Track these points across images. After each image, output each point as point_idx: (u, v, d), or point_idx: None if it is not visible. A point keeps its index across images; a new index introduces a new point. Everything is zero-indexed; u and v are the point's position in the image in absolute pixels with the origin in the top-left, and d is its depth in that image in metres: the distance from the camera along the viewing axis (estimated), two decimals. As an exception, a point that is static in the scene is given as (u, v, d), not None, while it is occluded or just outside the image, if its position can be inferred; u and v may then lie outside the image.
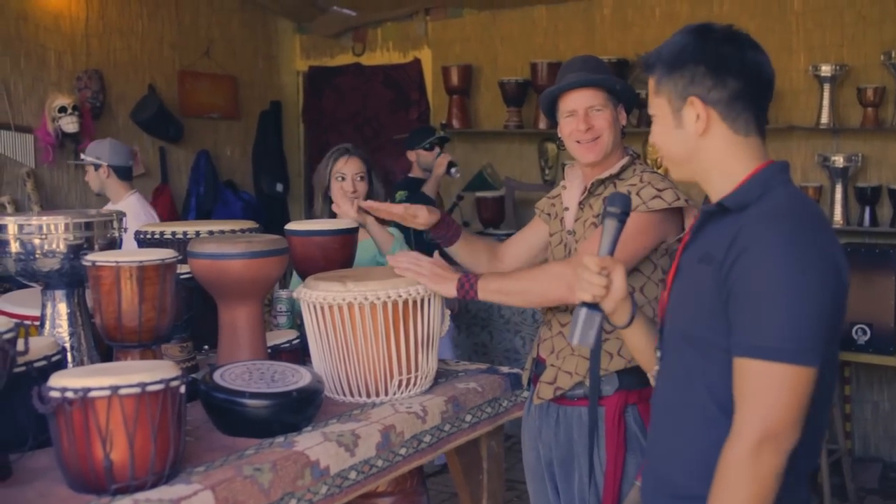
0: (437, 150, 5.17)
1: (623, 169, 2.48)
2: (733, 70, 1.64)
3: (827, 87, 4.99)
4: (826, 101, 5.00)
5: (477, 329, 5.59)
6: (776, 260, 1.53)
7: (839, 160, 4.96)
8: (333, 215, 3.13)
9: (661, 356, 1.80)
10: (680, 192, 2.39)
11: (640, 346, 1.90)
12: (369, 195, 3.17)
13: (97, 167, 4.47)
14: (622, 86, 2.50)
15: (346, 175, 3.18)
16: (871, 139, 5.04)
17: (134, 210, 4.26)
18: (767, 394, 1.52)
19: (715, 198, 1.70)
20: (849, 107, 5.05)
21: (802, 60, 5.13)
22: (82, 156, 4.65)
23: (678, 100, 1.68)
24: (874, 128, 4.92)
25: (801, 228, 1.57)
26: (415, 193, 4.95)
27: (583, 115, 2.45)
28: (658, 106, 1.72)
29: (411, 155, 5.23)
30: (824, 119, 5.02)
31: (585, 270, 1.74)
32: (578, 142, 2.46)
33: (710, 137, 1.67)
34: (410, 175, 5.25)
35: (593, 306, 1.74)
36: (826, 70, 4.97)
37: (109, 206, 4.48)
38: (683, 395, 1.69)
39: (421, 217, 2.57)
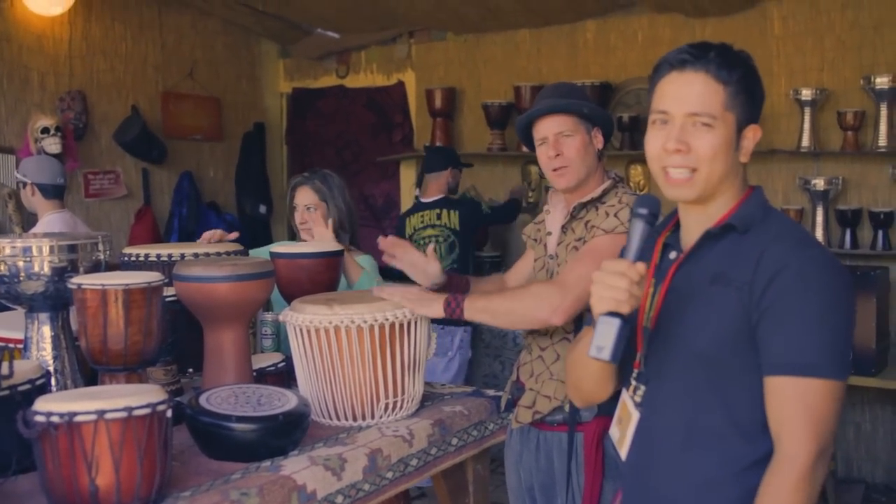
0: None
1: (605, 192, 2.48)
2: (761, 100, 1.76)
3: (807, 110, 5.03)
4: (807, 125, 5.05)
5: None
6: (815, 280, 1.58)
7: (820, 183, 5.01)
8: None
9: (647, 381, 1.76)
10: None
11: (606, 367, 1.74)
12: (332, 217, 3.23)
13: (24, 185, 4.39)
14: (590, 109, 2.49)
15: (297, 206, 3.30)
16: (851, 162, 5.09)
17: (46, 228, 4.23)
18: (818, 410, 1.54)
19: (708, 221, 1.71)
20: (829, 130, 5.10)
21: (783, 84, 5.18)
22: (15, 173, 4.59)
23: (743, 121, 1.69)
24: (854, 151, 4.97)
25: (825, 251, 1.66)
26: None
27: (553, 141, 2.46)
28: (724, 121, 1.67)
29: (445, 175, 5.14)
30: (805, 142, 5.07)
31: (623, 279, 1.56)
32: (554, 169, 2.48)
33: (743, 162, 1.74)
34: (439, 197, 5.14)
35: (623, 317, 1.56)
36: (806, 94, 5.02)
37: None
38: (691, 417, 1.68)
39: (432, 270, 2.56)
